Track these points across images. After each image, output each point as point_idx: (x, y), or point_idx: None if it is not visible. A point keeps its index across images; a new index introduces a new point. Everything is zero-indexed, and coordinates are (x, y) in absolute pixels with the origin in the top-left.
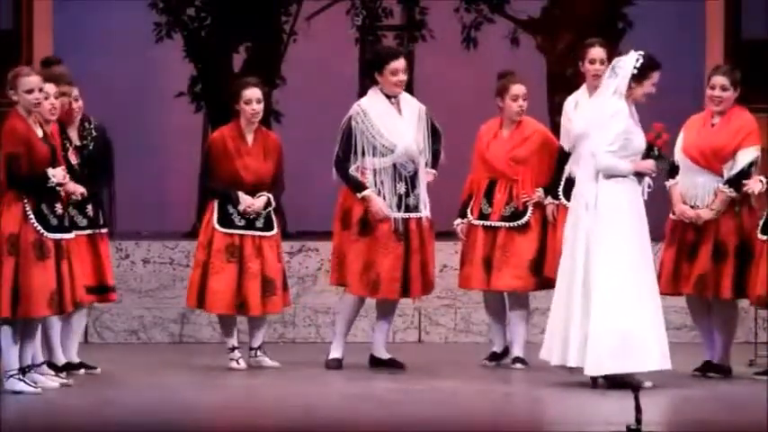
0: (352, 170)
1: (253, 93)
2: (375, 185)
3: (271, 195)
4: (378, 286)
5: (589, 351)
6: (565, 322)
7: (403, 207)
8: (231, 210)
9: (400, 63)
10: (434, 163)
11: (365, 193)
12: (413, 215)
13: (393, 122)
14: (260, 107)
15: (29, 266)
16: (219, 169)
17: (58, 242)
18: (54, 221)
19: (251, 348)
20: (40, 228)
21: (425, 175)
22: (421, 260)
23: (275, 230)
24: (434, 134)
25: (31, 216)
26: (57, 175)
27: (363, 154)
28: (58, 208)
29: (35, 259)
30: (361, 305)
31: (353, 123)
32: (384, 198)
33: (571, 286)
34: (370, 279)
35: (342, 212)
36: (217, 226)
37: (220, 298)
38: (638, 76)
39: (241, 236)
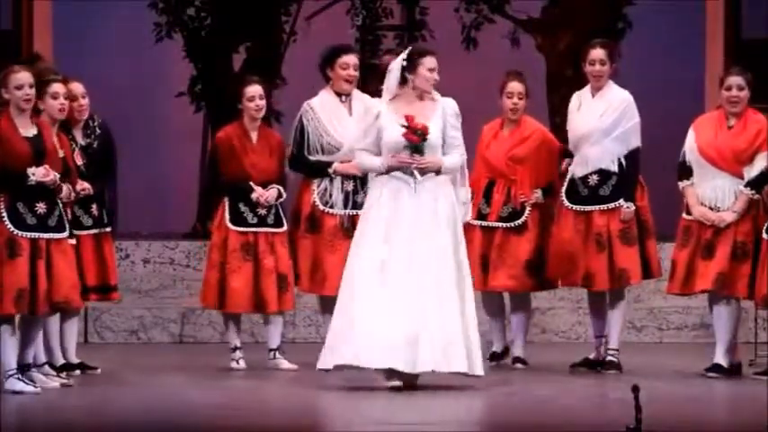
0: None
1: (254, 89)
2: (323, 182)
3: (281, 188)
4: (324, 282)
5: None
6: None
7: (350, 204)
8: (243, 208)
9: (350, 58)
10: None
11: (334, 166)
12: (360, 212)
13: (341, 121)
14: (263, 103)
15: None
16: (227, 168)
17: (34, 241)
18: (32, 220)
19: (270, 350)
20: (11, 226)
21: None
22: None
23: (285, 227)
24: None
25: (4, 214)
26: (36, 173)
27: (313, 151)
28: (40, 207)
29: (6, 258)
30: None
31: (304, 121)
32: (331, 195)
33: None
34: (318, 276)
35: (293, 212)
36: (230, 225)
37: (240, 296)
38: (410, 67)
39: (255, 233)
